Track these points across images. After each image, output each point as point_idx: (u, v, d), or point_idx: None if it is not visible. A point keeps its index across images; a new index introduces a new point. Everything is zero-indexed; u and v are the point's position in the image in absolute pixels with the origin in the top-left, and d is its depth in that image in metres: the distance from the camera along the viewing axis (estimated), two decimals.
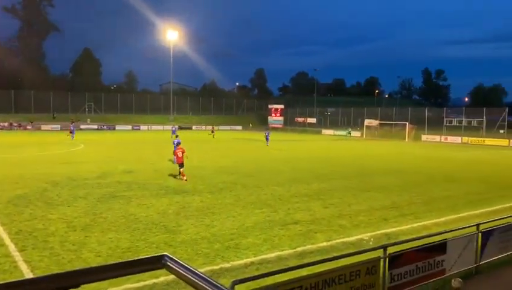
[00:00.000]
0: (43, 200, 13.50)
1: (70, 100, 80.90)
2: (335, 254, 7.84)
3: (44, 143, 33.52)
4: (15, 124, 65.23)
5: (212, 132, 56.29)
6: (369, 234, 10.47)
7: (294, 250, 9.14)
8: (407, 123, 58.90)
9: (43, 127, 66.84)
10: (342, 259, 6.20)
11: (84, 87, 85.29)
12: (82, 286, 1.51)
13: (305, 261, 8.10)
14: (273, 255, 8.81)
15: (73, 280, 1.51)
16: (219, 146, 39.92)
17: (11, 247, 8.85)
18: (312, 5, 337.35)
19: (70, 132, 42.33)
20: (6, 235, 9.62)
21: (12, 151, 28.44)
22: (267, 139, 41.14)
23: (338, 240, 9.93)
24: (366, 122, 65.86)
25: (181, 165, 18.23)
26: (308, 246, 9.42)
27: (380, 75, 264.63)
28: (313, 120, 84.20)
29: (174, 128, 52.31)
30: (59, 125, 65.91)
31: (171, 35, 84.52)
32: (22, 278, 1.45)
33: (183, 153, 18.35)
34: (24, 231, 10.06)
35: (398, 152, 37.11)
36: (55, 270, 7.61)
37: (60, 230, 10.19)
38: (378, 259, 6.43)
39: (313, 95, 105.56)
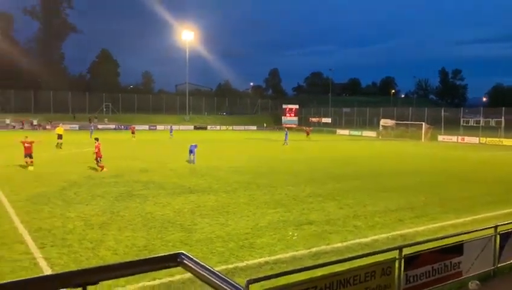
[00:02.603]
0: (62, 198, 13.76)
1: (88, 100, 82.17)
2: (350, 255, 7.82)
3: (63, 142, 34.04)
4: (35, 124, 66.46)
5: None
6: (384, 235, 10.40)
7: (309, 250, 9.15)
8: (423, 123, 58.15)
9: (58, 125, 67.80)
10: (357, 260, 6.19)
11: (101, 88, 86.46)
12: (100, 282, 1.57)
13: (320, 261, 8.11)
14: (287, 255, 8.83)
15: (92, 276, 1.57)
16: (234, 146, 40.05)
17: (31, 244, 9.05)
18: (327, 4, 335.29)
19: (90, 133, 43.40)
20: (26, 233, 9.84)
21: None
22: (286, 138, 41.94)
23: (353, 241, 9.89)
24: (382, 122, 65.27)
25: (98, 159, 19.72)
26: (323, 247, 9.41)
27: (395, 75, 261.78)
28: (327, 120, 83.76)
29: (172, 128, 53.82)
30: (77, 125, 67.02)
31: (187, 36, 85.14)
32: (42, 275, 1.51)
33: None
34: (43, 228, 10.28)
35: (414, 152, 36.69)
36: (73, 267, 7.76)
37: (78, 228, 10.38)
38: (393, 260, 6.40)
39: (328, 94, 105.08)
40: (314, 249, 9.21)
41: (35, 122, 67.50)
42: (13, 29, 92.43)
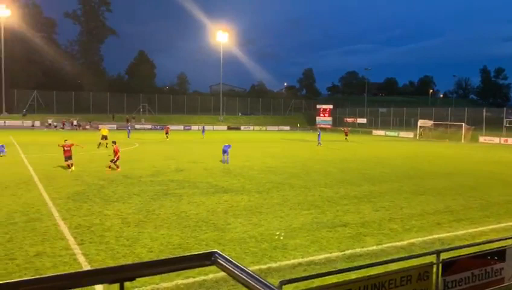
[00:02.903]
0: (100, 196, 14.20)
1: (126, 101, 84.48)
2: (385, 258, 7.66)
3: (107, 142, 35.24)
4: (75, 124, 68.93)
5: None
6: (421, 239, 10.12)
7: (343, 253, 9.02)
8: (463, 124, 56.22)
9: (100, 126, 70.10)
10: (393, 263, 6.05)
11: (139, 89, 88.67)
12: (137, 279, 1.60)
13: (354, 264, 7.98)
14: (321, 257, 8.74)
15: (130, 273, 1.60)
16: (267, 146, 40.08)
17: (71, 240, 9.38)
18: (363, 2, 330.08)
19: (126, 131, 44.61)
20: (67, 230, 10.21)
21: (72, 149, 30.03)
22: (318, 138, 41.52)
23: (388, 244, 9.68)
24: (420, 122, 63.55)
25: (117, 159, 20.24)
26: (357, 249, 9.26)
27: (434, 74, 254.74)
28: (363, 120, 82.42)
29: (204, 128, 54.96)
30: (115, 125, 69.05)
31: (221, 37, 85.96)
32: (83, 270, 1.55)
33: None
34: (82, 225, 10.63)
35: (454, 154, 35.50)
36: (110, 263, 7.98)
37: (115, 225, 10.67)
38: (430, 265, 6.21)
39: (363, 94, 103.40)
40: (348, 252, 9.07)
41: (75, 122, 70.06)
42: (56, 33, 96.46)
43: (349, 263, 8.24)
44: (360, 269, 5.87)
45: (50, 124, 67.74)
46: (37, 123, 68.41)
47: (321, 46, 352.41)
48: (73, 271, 1.57)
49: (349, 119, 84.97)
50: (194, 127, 76.07)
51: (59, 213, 11.73)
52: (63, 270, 7.41)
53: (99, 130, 36.85)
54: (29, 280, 1.41)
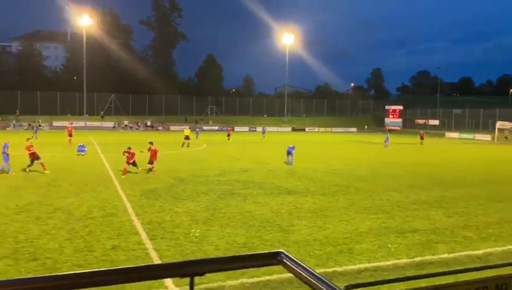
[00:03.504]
0: (171, 194, 14.84)
1: (195, 103, 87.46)
2: (458, 267, 7.25)
3: (173, 143, 36.83)
4: (149, 125, 72.69)
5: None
6: (499, 249, 9.44)
7: (412, 259, 8.67)
8: None
9: (172, 128, 73.33)
10: (466, 273, 5.71)
11: (207, 92, 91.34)
12: (205, 275, 1.67)
13: (424, 271, 7.64)
14: (388, 263, 8.47)
15: (200, 268, 1.68)
16: (332, 148, 39.48)
17: (143, 236, 9.90)
18: (438, 0, 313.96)
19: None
20: (140, 225, 10.79)
21: (145, 149, 31.63)
22: (386, 141, 40.02)
23: (462, 253, 9.14)
24: (498, 124, 59.18)
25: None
26: (428, 257, 8.85)
27: None
28: (435, 122, 78.43)
29: (264, 130, 55.87)
30: (185, 127, 71.89)
31: (287, 39, 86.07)
32: (158, 263, 1.65)
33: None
34: (154, 221, 11.18)
35: None
36: (179, 259, 8.32)
37: (184, 223, 11.10)
38: (510, 276, 5.79)
39: (436, 95, 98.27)
40: (417, 259, 8.70)
41: (148, 123, 73.89)
42: (132, 39, 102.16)
43: (418, 270, 7.90)
44: (430, 277, 5.59)
45: (126, 126, 71.98)
46: (113, 124, 73.02)
47: (390, 45, 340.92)
48: (148, 263, 1.68)
49: (421, 121, 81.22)
50: (259, 129, 76.93)
51: (133, 209, 12.44)
52: (136, 264, 7.85)
53: (183, 131, 39.59)
54: (110, 270, 1.54)
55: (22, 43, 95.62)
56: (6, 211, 11.92)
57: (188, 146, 34.95)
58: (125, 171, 18.82)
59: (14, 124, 65.19)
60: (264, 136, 52.02)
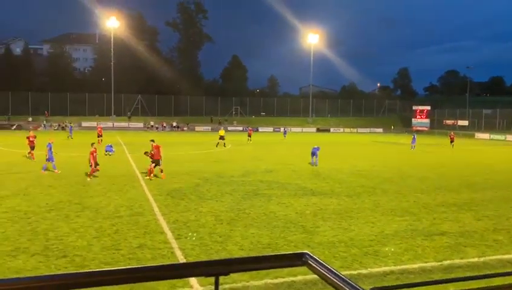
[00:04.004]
0: (196, 194, 14.98)
1: (220, 104, 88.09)
2: (488, 272, 7.04)
3: (198, 143, 37.22)
4: (174, 125, 73.65)
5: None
6: None
7: (440, 263, 8.47)
8: None
9: (197, 128, 74.11)
10: (497, 278, 5.55)
11: (232, 92, 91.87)
12: (230, 275, 1.68)
13: (452, 275, 7.48)
14: (415, 266, 8.30)
15: (225, 267, 1.69)
16: (357, 149, 39.02)
17: (169, 235, 10.02)
18: None
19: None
20: (165, 224, 10.93)
21: (170, 149, 32.08)
22: (413, 142, 39.13)
23: (492, 257, 8.88)
24: None
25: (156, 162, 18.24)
26: (457, 261, 8.63)
27: None
28: (464, 123, 76.47)
29: (285, 130, 56.24)
30: (210, 127, 72.51)
31: (312, 39, 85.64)
32: (183, 262, 1.67)
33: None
34: (179, 221, 11.31)
35: None
36: (204, 258, 8.39)
37: (209, 222, 11.18)
38: None
39: (465, 94, 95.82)
40: (446, 262, 8.50)
41: (174, 124, 74.88)
42: (158, 41, 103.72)
43: (446, 274, 7.73)
44: (459, 281, 5.44)
45: (152, 126, 73.15)
46: (140, 125, 74.32)
47: (417, 45, 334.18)
48: (174, 262, 1.70)
49: (449, 122, 79.36)
50: (283, 129, 76.84)
51: (159, 209, 12.61)
52: (162, 263, 7.97)
53: (218, 131, 41.27)
54: (136, 268, 1.57)
55: (52, 46, 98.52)
56: (38, 209, 12.29)
57: (224, 146, 36.09)
58: (150, 173, 18.04)
59: (44, 125, 67.20)
60: (285, 136, 51.88)
